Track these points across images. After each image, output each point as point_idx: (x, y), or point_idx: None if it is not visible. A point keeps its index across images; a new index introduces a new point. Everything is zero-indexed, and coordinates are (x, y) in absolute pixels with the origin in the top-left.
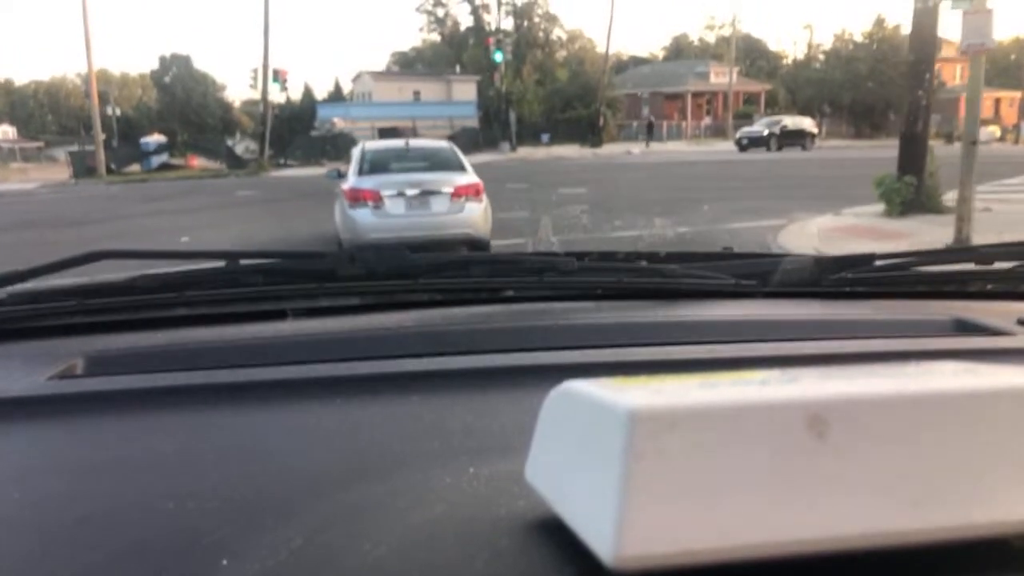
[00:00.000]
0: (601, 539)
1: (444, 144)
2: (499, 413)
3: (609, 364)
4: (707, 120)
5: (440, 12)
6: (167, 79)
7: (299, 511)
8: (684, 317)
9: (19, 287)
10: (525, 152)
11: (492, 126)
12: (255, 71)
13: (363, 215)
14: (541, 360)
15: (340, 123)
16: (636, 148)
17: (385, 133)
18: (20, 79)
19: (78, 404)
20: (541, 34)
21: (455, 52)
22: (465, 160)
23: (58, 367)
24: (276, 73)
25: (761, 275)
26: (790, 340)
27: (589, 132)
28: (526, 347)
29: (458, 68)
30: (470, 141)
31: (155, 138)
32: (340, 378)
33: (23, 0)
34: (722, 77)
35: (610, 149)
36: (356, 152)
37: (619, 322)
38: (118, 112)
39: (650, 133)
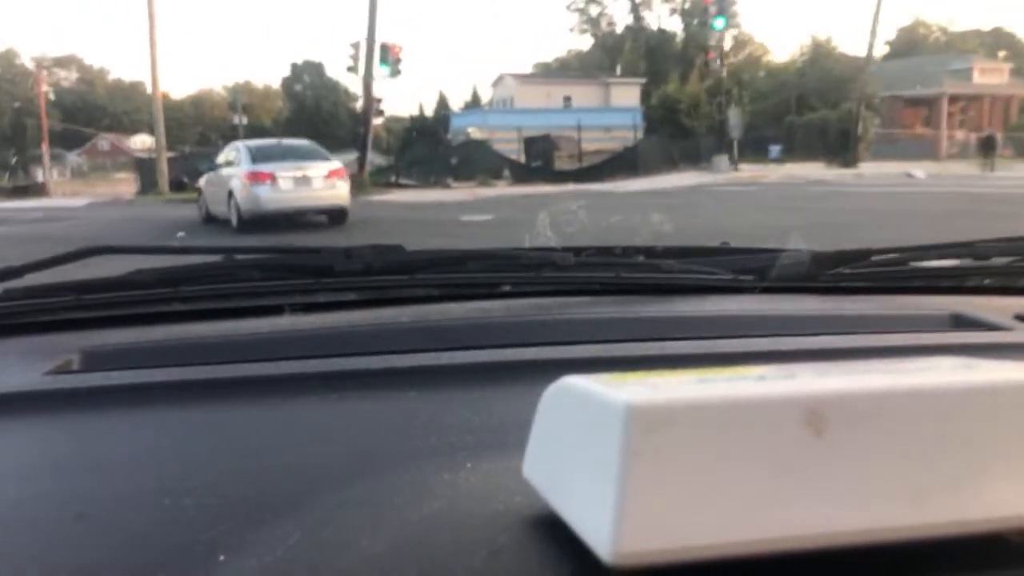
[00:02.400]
0: (598, 535)
1: (308, 142)
2: (496, 409)
3: (606, 359)
4: (961, 132)
5: (593, 11)
6: (298, 87)
7: (296, 507)
8: (681, 312)
9: (14, 283)
10: (749, 170)
11: (665, 136)
12: (355, 47)
13: (264, 190)
14: (538, 355)
15: (476, 133)
16: (917, 170)
17: (533, 144)
18: (177, 94)
19: (74, 400)
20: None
21: (609, 57)
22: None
23: (54, 362)
24: (385, 50)
25: (758, 270)
26: (787, 335)
27: (840, 144)
28: (523, 342)
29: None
30: (650, 153)
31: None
32: (337, 373)
33: (183, 17)
34: (991, 76)
35: (873, 169)
36: (241, 147)
37: (616, 317)
38: (245, 121)
39: (990, 149)
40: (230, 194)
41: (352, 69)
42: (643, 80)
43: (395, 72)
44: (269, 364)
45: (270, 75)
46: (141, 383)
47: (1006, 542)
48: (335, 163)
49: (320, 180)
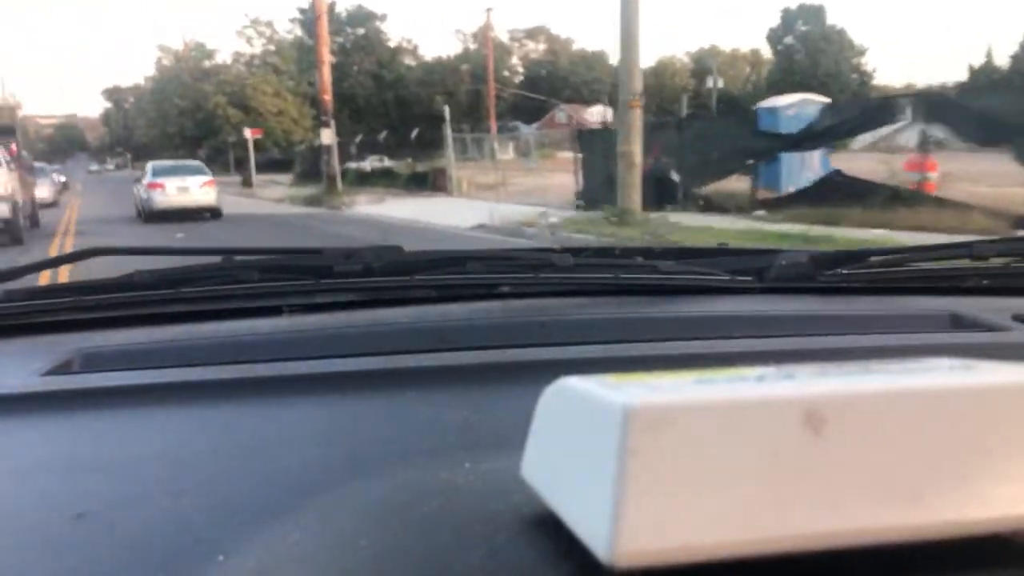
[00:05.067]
0: (597, 535)
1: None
2: (495, 409)
3: (605, 360)
4: None
5: None
6: (789, 39)
7: (295, 507)
8: (680, 313)
9: (15, 283)
10: None
11: None
12: None
13: (156, 193)
14: (537, 356)
15: None
16: None
17: None
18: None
19: (74, 400)
20: None
21: None
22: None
23: (54, 363)
24: None
25: (757, 271)
26: (786, 336)
27: None
28: (522, 343)
29: None
30: None
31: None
32: (336, 374)
33: None
34: None
35: None
36: (148, 166)
37: (615, 318)
38: (720, 84)
39: None
40: (138, 196)
41: None
42: None
43: None
44: (268, 365)
45: (741, 39)
46: (141, 384)
47: (1005, 542)
48: (208, 176)
49: (196, 188)
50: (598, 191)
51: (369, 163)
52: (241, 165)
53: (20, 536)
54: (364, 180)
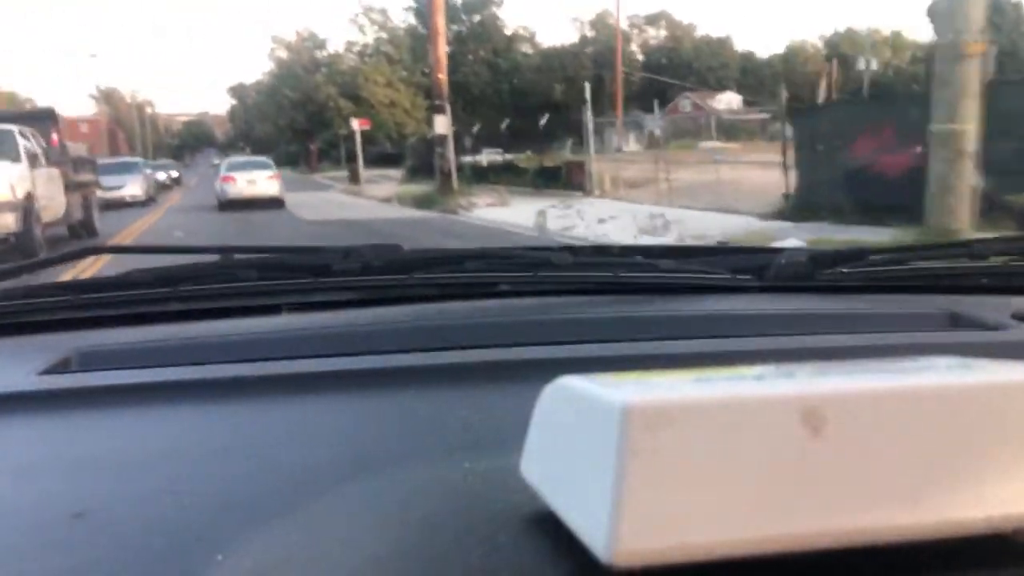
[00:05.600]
0: (596, 534)
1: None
2: (494, 408)
3: (604, 359)
4: None
5: None
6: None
7: (295, 506)
8: (679, 312)
9: (12, 283)
10: None
11: None
12: None
13: (229, 185)
14: (536, 355)
15: None
16: None
17: None
18: (762, 54)
19: (72, 399)
20: None
21: None
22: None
23: (51, 362)
24: None
25: (756, 270)
26: (785, 335)
27: None
28: (521, 342)
29: None
30: None
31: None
32: (335, 373)
33: None
34: None
35: None
36: (224, 161)
37: (614, 317)
38: (874, 66)
39: None
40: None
41: None
42: None
43: None
44: (267, 364)
45: (890, 19)
46: (138, 383)
47: (1004, 541)
48: (273, 171)
49: (262, 181)
50: (820, 192)
51: (486, 156)
52: (353, 160)
53: (18, 535)
54: (482, 176)
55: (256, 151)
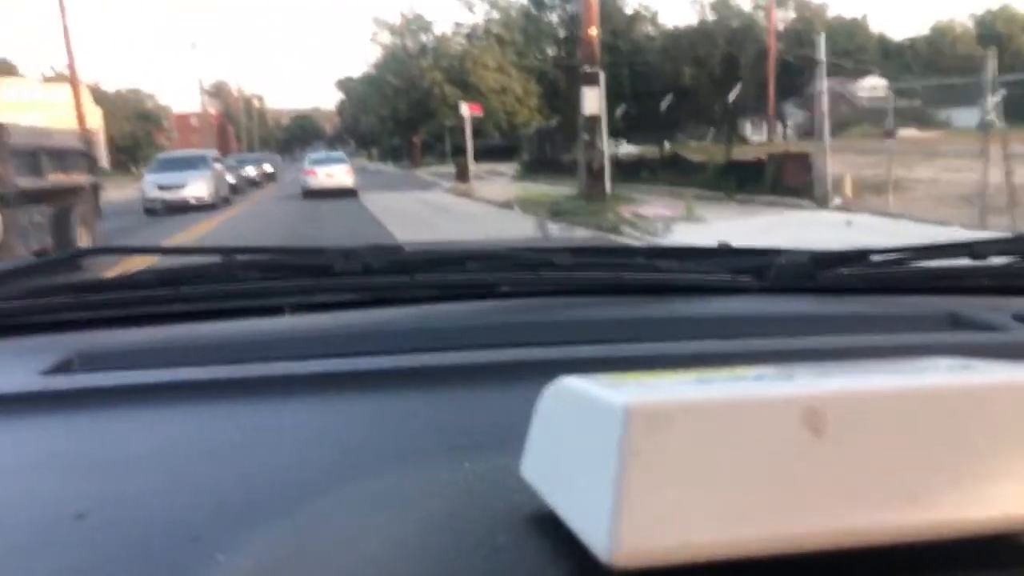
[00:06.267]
0: (597, 535)
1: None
2: (495, 409)
3: (605, 360)
4: None
5: None
6: None
7: (294, 507)
8: (680, 313)
9: (14, 283)
10: None
11: None
12: None
13: (311, 178)
14: (537, 356)
15: None
16: None
17: None
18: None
19: (74, 400)
20: None
21: None
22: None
23: (54, 362)
24: None
25: (757, 271)
26: (786, 336)
27: None
28: (522, 343)
29: None
30: None
31: None
32: (336, 374)
33: None
34: None
35: None
36: (308, 156)
37: (615, 318)
38: None
39: None
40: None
41: None
42: None
43: None
44: (269, 364)
45: None
46: (141, 383)
47: (1004, 542)
48: (347, 165)
49: (340, 172)
50: None
51: (617, 149)
52: (460, 153)
53: (20, 535)
54: (627, 173)
55: (360, 145)
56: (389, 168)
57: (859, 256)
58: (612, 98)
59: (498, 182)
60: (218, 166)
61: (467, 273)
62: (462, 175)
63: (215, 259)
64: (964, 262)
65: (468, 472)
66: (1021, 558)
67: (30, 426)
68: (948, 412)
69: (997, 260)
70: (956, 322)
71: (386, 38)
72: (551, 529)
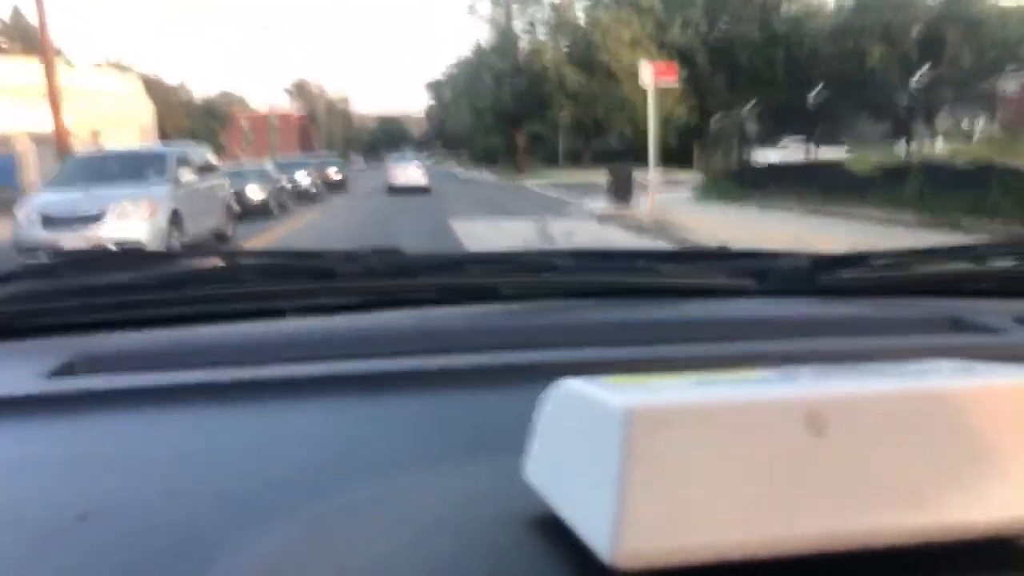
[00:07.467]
0: (599, 536)
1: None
2: (497, 411)
3: (606, 362)
4: None
5: None
6: None
7: (296, 508)
8: (681, 316)
9: (17, 285)
10: None
11: None
12: None
13: (392, 174)
14: (539, 359)
15: None
16: None
17: None
18: None
19: (77, 402)
20: None
21: None
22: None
23: (57, 365)
24: None
25: (758, 274)
26: (787, 338)
27: None
28: (524, 345)
29: None
30: None
31: None
32: (338, 376)
33: None
34: None
35: None
36: (390, 156)
37: (616, 321)
38: None
39: None
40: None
41: None
42: None
43: None
44: (270, 367)
45: None
46: (144, 386)
47: (1005, 545)
48: (420, 163)
49: (414, 171)
50: None
51: (786, 151)
52: (614, 158)
53: (24, 537)
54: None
55: (448, 147)
56: (484, 175)
57: (859, 259)
58: (764, 89)
59: (679, 202)
60: (270, 169)
61: (469, 276)
62: (622, 191)
63: (217, 262)
64: (965, 265)
65: (470, 474)
66: (1022, 561)
67: (33, 428)
68: (949, 415)
69: (998, 263)
70: (957, 325)
71: (486, 8)
72: (553, 531)
